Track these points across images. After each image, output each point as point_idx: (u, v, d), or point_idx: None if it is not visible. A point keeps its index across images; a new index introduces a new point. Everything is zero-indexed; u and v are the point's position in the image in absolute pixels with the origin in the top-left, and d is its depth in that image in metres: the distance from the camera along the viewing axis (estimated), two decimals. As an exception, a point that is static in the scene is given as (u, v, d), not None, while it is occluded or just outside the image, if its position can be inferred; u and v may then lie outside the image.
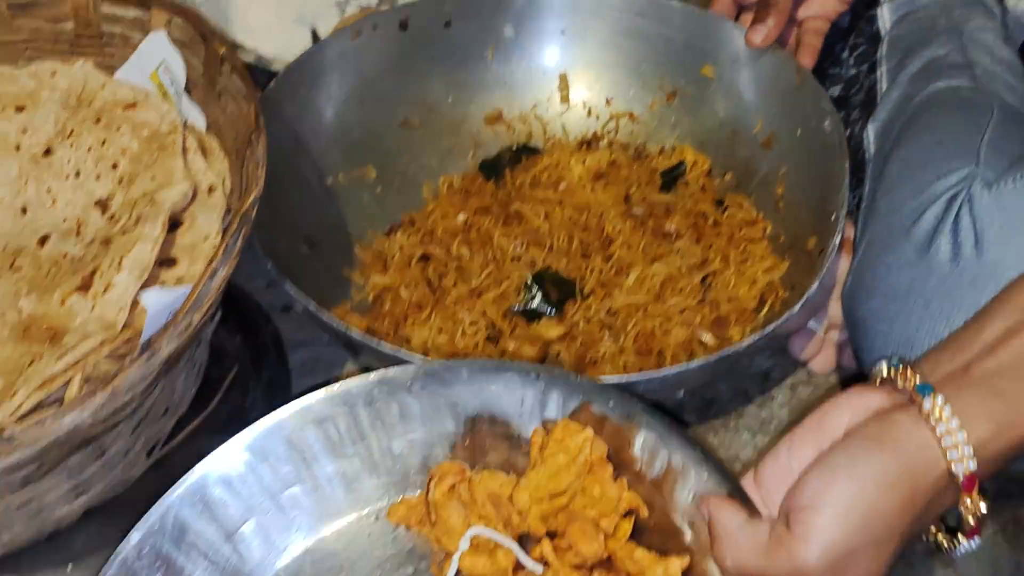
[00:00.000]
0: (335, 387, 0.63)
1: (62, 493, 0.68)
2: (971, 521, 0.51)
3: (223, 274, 0.61)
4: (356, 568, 0.64)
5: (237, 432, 0.66)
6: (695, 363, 0.64)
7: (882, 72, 0.90)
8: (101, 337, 0.61)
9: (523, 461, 0.63)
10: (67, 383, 0.59)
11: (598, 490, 0.61)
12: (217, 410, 0.76)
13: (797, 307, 0.65)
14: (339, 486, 0.65)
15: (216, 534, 0.63)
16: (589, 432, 0.60)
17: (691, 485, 0.57)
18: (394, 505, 0.66)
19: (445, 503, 0.64)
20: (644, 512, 0.60)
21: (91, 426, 0.58)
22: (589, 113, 0.93)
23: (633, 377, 0.64)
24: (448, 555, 0.63)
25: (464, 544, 0.62)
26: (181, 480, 0.62)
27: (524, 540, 0.62)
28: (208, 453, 0.65)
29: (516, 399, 0.62)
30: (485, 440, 0.64)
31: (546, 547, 0.61)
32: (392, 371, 0.63)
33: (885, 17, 0.93)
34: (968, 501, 0.50)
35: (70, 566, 0.69)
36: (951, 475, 0.49)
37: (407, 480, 0.65)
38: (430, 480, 0.64)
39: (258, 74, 1.00)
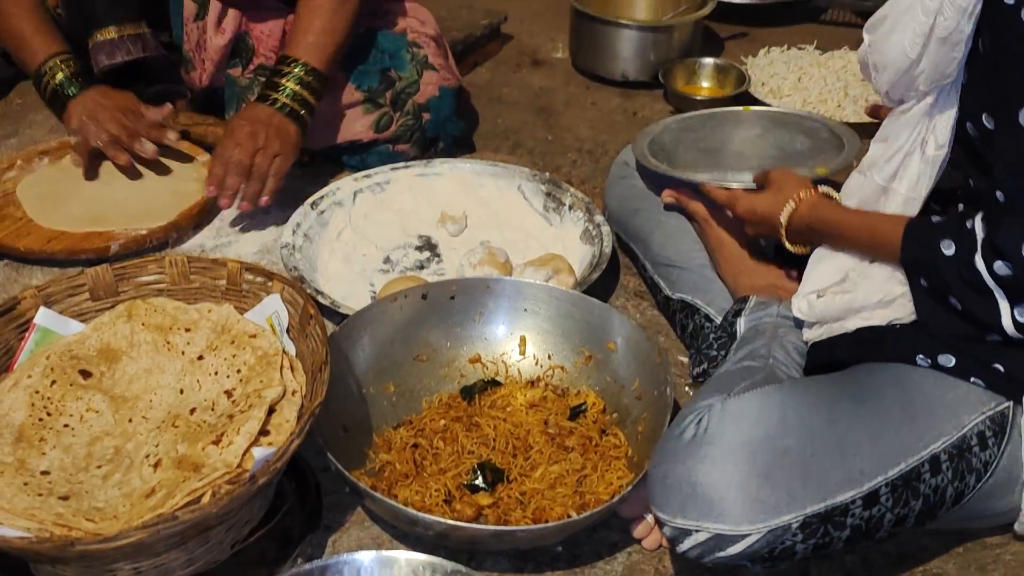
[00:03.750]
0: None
1: (180, 562, 1.15)
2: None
3: (295, 445, 1.11)
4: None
5: (286, 542, 1.16)
6: (551, 524, 1.11)
7: (729, 357, 1.41)
8: (224, 471, 1.11)
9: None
10: (203, 494, 1.08)
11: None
12: (275, 526, 1.25)
13: (611, 502, 1.13)
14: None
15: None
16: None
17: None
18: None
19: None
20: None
21: (214, 517, 1.07)
22: (536, 363, 1.44)
23: (521, 527, 1.12)
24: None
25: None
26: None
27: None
28: (265, 552, 1.14)
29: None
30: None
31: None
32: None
33: (741, 325, 1.44)
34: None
35: (179, 606, 1.16)
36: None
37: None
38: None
39: (331, 313, 1.54)
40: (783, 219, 1.34)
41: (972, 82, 1.15)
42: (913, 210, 1.21)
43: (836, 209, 1.30)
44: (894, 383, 1.13)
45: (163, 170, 1.88)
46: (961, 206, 1.25)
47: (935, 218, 1.16)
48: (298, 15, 1.80)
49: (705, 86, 2.39)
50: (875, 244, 1.22)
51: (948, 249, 1.10)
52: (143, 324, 1.30)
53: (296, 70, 1.76)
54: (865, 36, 1.24)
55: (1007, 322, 1.08)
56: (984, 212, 1.09)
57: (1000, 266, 1.05)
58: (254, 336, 1.28)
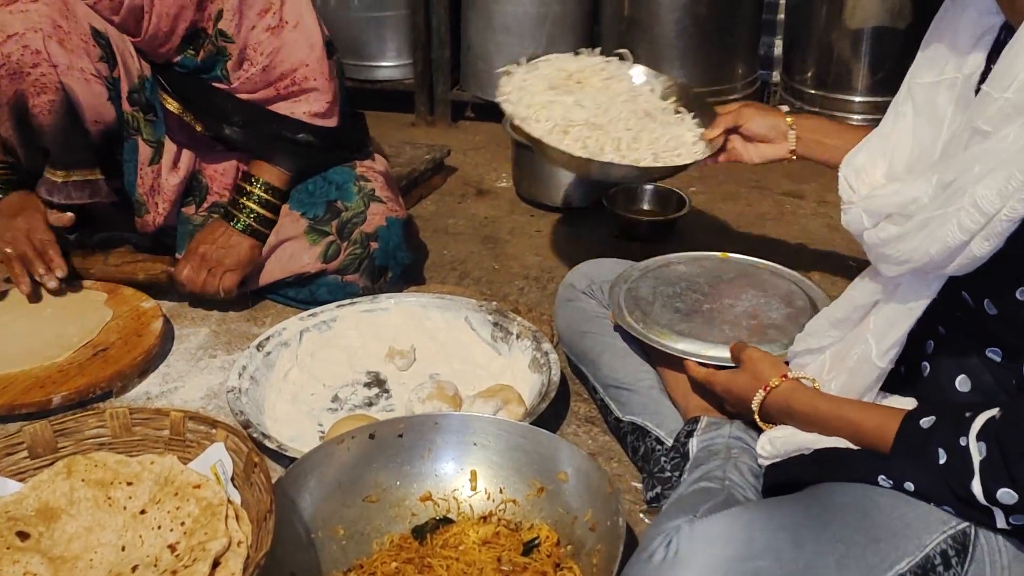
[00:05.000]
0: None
1: None
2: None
3: (240, 598, 1.08)
4: None
5: None
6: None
7: (684, 479, 1.40)
8: (166, 631, 1.07)
9: None
10: (145, 657, 1.04)
11: None
12: None
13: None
14: None
15: None
16: None
17: None
18: None
19: None
20: None
21: None
22: (488, 497, 1.42)
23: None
24: None
25: None
26: None
27: None
28: None
29: None
30: None
31: None
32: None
33: (694, 446, 1.44)
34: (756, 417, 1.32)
35: None
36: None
37: None
38: None
39: (279, 457, 1.52)
40: (754, 406, 1.33)
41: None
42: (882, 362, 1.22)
43: (810, 399, 1.27)
44: (855, 505, 1.13)
45: (64, 303, 1.94)
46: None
47: (925, 421, 1.11)
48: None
49: (647, 209, 2.45)
50: (857, 440, 1.19)
51: (941, 459, 1.08)
52: (83, 480, 1.27)
53: (258, 189, 1.90)
54: (864, 217, 1.18)
55: (1001, 524, 1.07)
56: (982, 428, 1.06)
57: (1005, 493, 1.02)
58: (198, 486, 1.25)
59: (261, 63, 1.85)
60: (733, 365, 1.44)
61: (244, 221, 1.90)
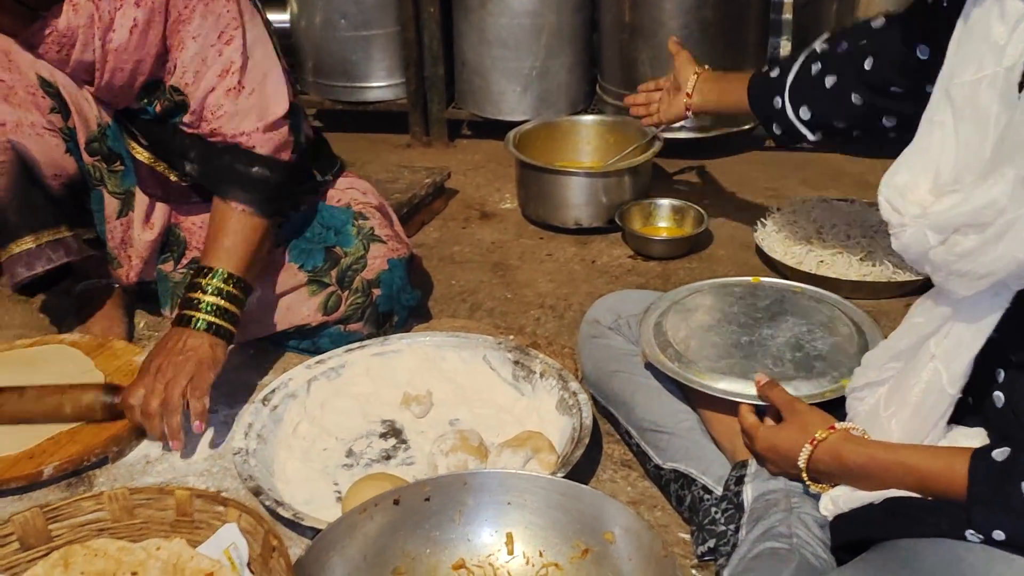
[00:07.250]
0: None
1: None
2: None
3: None
4: None
5: None
6: None
7: (742, 534, 1.29)
8: None
9: None
10: None
11: None
12: None
13: None
14: None
15: None
16: None
17: None
18: None
19: None
20: None
21: None
22: (527, 562, 1.30)
23: None
24: None
25: None
26: None
27: None
28: None
29: None
30: None
31: None
32: None
33: (748, 494, 1.32)
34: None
35: None
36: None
37: None
38: None
39: (294, 524, 1.40)
40: (801, 463, 1.22)
41: None
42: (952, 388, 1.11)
43: (865, 447, 1.17)
44: (945, 568, 1.02)
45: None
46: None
47: (999, 453, 1.03)
48: (210, 222, 1.70)
49: (663, 226, 2.34)
50: (922, 489, 1.10)
51: None
52: (82, 572, 1.15)
53: (214, 280, 1.62)
54: (929, 235, 1.07)
55: None
56: None
57: None
58: (211, 574, 1.13)
59: (211, 124, 1.67)
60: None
61: (201, 318, 1.60)
